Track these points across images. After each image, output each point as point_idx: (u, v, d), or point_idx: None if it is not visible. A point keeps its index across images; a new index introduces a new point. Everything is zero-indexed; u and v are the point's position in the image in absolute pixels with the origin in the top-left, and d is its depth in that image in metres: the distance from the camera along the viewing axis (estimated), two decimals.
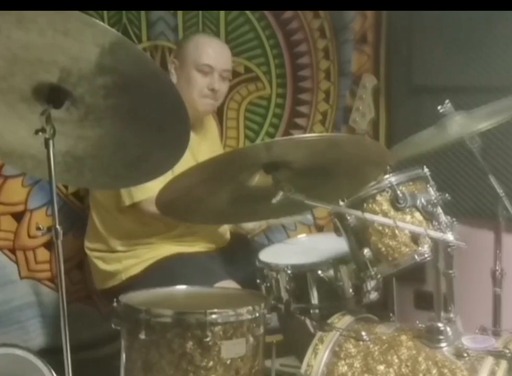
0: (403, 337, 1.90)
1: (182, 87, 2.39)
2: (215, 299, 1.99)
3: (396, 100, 3.27)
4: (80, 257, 2.63)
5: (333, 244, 2.18)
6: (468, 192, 2.95)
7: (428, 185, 2.06)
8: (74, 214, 2.68)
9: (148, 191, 2.14)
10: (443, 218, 1.99)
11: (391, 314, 2.54)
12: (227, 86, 2.57)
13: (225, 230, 2.61)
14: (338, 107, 3.30)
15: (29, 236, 2.58)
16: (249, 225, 2.66)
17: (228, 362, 1.73)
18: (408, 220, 1.98)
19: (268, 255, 2.29)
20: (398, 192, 1.98)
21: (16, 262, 2.57)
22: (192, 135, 2.44)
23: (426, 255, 1.96)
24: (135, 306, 1.77)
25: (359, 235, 2.02)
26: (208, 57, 2.44)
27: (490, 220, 2.53)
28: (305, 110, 3.24)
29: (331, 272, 2.11)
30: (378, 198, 2.00)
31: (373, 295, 2.18)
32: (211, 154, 2.12)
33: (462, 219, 2.05)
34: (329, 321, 2.01)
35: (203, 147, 2.54)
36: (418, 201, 1.99)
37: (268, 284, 2.18)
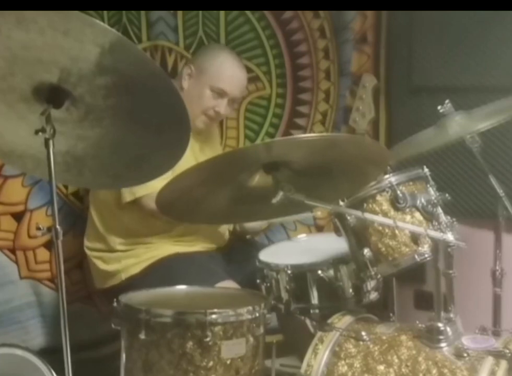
0: (403, 337, 1.90)
1: (190, 96, 2.40)
2: (215, 299, 1.99)
3: (396, 100, 3.26)
4: (80, 257, 2.63)
5: (333, 244, 2.18)
6: (468, 192, 2.95)
7: (428, 185, 2.06)
8: (74, 214, 2.68)
9: (149, 187, 2.14)
10: (443, 218, 1.99)
11: (391, 314, 2.54)
12: (231, 110, 2.58)
13: (225, 229, 2.62)
14: (338, 107, 3.30)
15: (29, 236, 2.58)
16: (253, 225, 2.64)
17: (228, 362, 1.73)
18: (408, 220, 1.98)
19: (268, 255, 2.29)
20: (398, 192, 1.98)
21: (16, 262, 2.57)
22: (193, 139, 2.46)
23: (426, 255, 1.96)
24: (135, 306, 1.77)
25: (359, 235, 2.03)
26: (226, 83, 2.43)
27: (490, 220, 2.52)
28: (305, 110, 3.23)
29: (331, 272, 2.11)
30: (378, 198, 2.00)
31: (373, 295, 2.18)
32: None
33: (462, 219, 2.05)
34: (329, 321, 2.01)
35: (206, 151, 2.54)
36: (418, 201, 1.99)
37: (268, 284, 2.18)
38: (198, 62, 2.50)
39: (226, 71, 2.46)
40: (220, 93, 2.43)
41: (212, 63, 2.47)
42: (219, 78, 2.43)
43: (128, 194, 2.33)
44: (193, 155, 2.42)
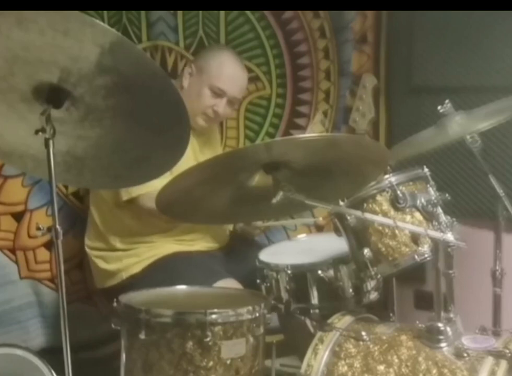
0: (403, 337, 1.90)
1: (190, 94, 2.40)
2: (215, 299, 1.99)
3: (396, 100, 3.27)
4: (80, 257, 2.63)
5: (333, 244, 2.18)
6: (468, 192, 2.95)
7: (428, 185, 2.06)
8: (74, 214, 2.68)
9: (146, 187, 2.14)
10: (443, 218, 1.99)
11: (391, 314, 2.54)
12: (231, 111, 2.58)
13: (225, 229, 2.62)
14: (338, 107, 3.30)
15: (29, 236, 2.58)
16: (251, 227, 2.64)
17: (228, 362, 1.73)
18: (408, 220, 1.98)
19: (268, 255, 2.29)
20: (398, 192, 1.98)
21: (16, 262, 2.57)
22: (194, 139, 2.46)
23: (426, 255, 1.96)
24: (135, 306, 1.77)
25: (359, 235, 2.02)
26: (225, 83, 2.43)
27: (490, 220, 2.52)
28: (305, 110, 3.24)
29: (331, 272, 2.11)
30: (378, 198, 2.00)
31: (373, 295, 2.18)
32: None
33: (462, 219, 2.05)
34: (329, 321, 2.01)
35: (206, 151, 2.54)
36: (418, 201, 1.99)
37: (268, 284, 2.18)
38: (199, 62, 2.51)
39: (226, 71, 2.46)
40: (219, 93, 2.43)
41: (213, 63, 2.47)
42: (219, 77, 2.43)
43: (124, 193, 2.33)
44: (193, 155, 2.42)
